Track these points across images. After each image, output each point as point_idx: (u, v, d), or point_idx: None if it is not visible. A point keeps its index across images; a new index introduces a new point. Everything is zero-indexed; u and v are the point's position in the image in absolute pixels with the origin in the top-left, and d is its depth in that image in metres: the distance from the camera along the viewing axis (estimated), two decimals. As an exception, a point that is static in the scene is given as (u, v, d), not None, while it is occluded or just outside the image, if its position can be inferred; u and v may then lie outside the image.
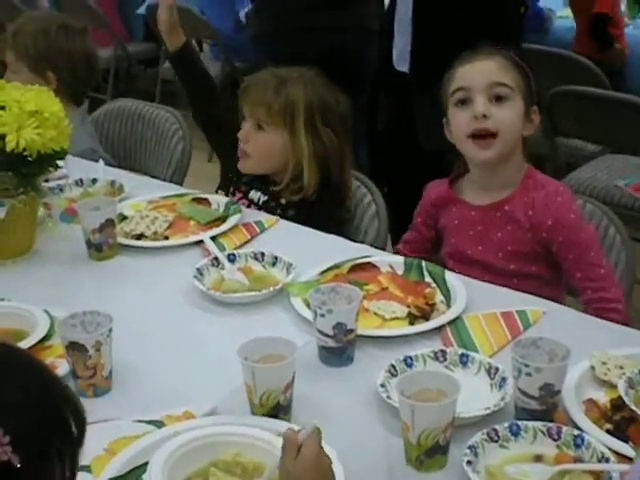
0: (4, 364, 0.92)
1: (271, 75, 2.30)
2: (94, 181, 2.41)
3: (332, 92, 2.31)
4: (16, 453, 0.85)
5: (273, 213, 2.27)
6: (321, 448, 1.19)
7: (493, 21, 2.91)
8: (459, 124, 2.01)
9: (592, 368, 1.53)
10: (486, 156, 1.98)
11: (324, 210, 2.27)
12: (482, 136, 1.97)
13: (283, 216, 2.26)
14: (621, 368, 1.51)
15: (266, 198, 2.34)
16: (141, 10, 5.98)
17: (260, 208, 2.33)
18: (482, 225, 2.05)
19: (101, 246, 2.02)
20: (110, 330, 1.53)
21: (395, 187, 3.25)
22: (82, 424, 0.94)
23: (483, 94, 1.96)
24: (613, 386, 1.48)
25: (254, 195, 2.37)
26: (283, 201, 2.31)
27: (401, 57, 3.08)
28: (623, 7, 4.69)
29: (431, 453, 1.31)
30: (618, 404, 1.43)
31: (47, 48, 2.78)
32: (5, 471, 0.84)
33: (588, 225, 2.05)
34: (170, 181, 2.77)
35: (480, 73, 1.99)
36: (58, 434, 0.91)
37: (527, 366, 1.38)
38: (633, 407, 1.38)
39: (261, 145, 2.29)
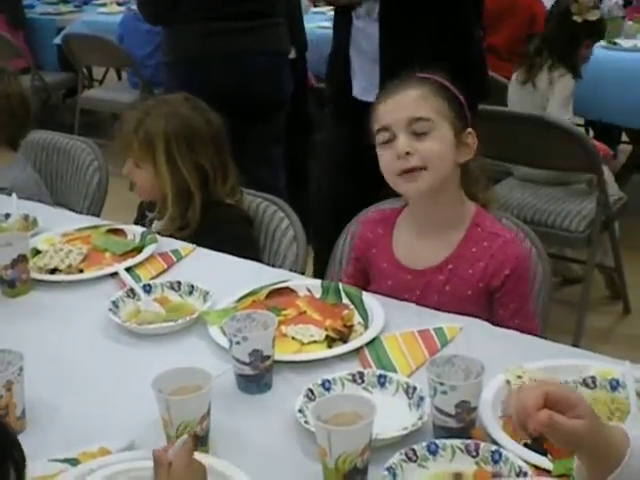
0: None
1: (134, 113, 2.34)
2: (7, 216, 2.37)
3: (201, 114, 2.33)
4: None
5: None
6: (192, 457, 1.21)
7: (460, 51, 2.82)
8: (386, 164, 1.92)
9: (508, 382, 1.54)
10: (416, 187, 1.89)
11: (215, 227, 2.29)
12: (410, 170, 1.89)
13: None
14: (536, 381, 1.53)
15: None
16: (57, 40, 5.95)
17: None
18: (420, 290, 1.96)
19: (14, 282, 1.99)
20: (21, 369, 1.49)
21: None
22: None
23: (404, 131, 1.88)
24: (529, 399, 1.48)
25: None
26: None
27: (367, 89, 2.85)
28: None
29: (350, 477, 1.30)
30: (534, 417, 1.44)
31: None
32: None
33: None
34: (87, 213, 2.73)
35: (398, 110, 1.89)
36: (16, 449, 0.94)
37: (442, 384, 1.38)
38: (549, 419, 1.39)
39: (140, 182, 2.35)
